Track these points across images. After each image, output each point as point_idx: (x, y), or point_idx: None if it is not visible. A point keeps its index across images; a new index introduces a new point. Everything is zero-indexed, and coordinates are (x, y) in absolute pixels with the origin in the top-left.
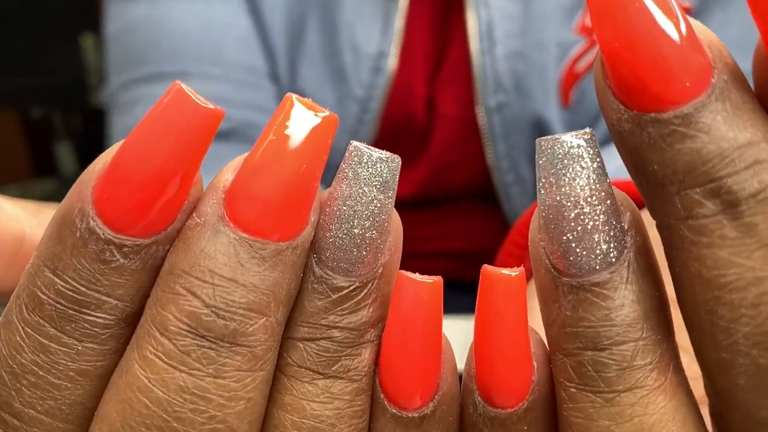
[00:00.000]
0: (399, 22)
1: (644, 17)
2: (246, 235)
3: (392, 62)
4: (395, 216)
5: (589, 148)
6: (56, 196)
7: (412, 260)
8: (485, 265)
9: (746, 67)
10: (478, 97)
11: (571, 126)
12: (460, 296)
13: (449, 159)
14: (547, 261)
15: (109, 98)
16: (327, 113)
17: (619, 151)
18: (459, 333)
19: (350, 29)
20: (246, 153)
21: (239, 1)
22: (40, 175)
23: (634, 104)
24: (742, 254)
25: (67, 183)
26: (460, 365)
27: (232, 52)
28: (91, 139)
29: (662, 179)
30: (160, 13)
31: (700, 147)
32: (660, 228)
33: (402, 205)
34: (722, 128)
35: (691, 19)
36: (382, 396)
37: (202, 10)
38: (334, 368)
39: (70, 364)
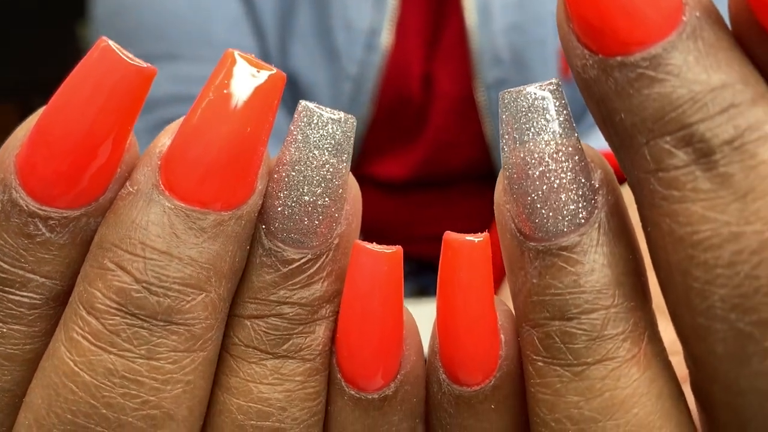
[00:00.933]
0: None
1: None
2: (182, 204)
3: (386, 39)
4: (352, 182)
5: (554, 100)
6: None
7: (410, 244)
8: (447, 231)
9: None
10: (476, 73)
11: (573, 100)
12: None
13: (447, 139)
14: (513, 225)
15: None
16: (273, 71)
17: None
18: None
19: (342, 5)
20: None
21: None
22: None
23: (598, 48)
24: (716, 208)
25: None
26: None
27: (221, 33)
28: None
29: (630, 129)
30: None
31: (670, 91)
32: (631, 185)
33: (399, 187)
34: (694, 70)
35: None
36: (339, 376)
37: None
38: (284, 347)
39: None
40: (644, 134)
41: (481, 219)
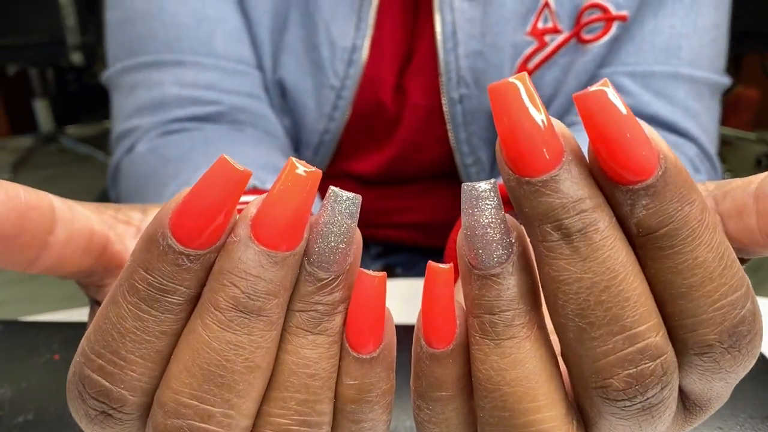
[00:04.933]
0: (371, 18)
1: (526, 120)
2: (265, 249)
3: (364, 55)
4: (357, 232)
5: (492, 192)
6: (34, 152)
7: (380, 230)
8: (429, 261)
9: (668, 69)
10: (443, 89)
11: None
12: (424, 259)
13: (416, 141)
14: (466, 259)
15: (110, 80)
16: (313, 169)
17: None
18: (419, 290)
19: (327, 26)
20: (265, 192)
21: None
22: (18, 131)
23: (516, 171)
24: (571, 264)
25: (44, 139)
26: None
27: (222, 43)
28: (68, 97)
29: (531, 217)
30: (157, 7)
31: (552, 200)
32: (531, 244)
33: (373, 181)
34: (564, 190)
35: (552, 118)
36: (347, 345)
37: (197, 5)
38: (318, 328)
39: (156, 327)
40: (537, 221)
41: (445, 210)
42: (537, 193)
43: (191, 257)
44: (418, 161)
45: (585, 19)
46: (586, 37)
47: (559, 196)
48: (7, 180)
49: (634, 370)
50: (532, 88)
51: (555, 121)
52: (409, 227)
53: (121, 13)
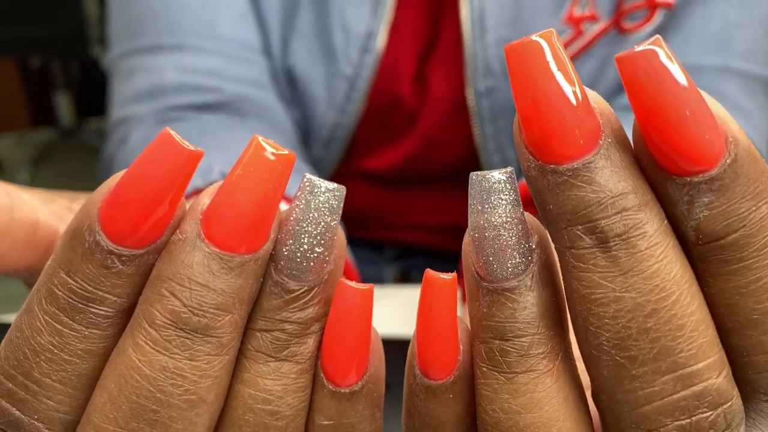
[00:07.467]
0: (390, 1)
1: (552, 90)
2: (217, 250)
3: (381, 42)
4: (340, 233)
5: (508, 184)
6: (54, 146)
7: (395, 232)
8: (427, 269)
9: (718, 62)
10: (469, 81)
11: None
12: (444, 265)
13: (437, 139)
14: (473, 269)
15: (110, 65)
16: (285, 152)
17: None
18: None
19: (341, 9)
20: (220, 180)
21: None
22: (39, 124)
23: (538, 156)
24: (607, 279)
25: (65, 133)
26: None
27: (227, 27)
28: (90, 90)
29: (555, 217)
30: None
31: (584, 195)
32: (556, 251)
33: (389, 180)
34: (601, 181)
35: (588, 89)
36: (321, 375)
37: None
38: (283, 353)
39: (78, 344)
40: (564, 222)
41: (464, 212)
42: (565, 185)
43: (124, 258)
44: (438, 160)
45: (626, 5)
46: (627, 25)
47: (593, 189)
48: (27, 175)
49: (688, 421)
50: (560, 50)
51: (591, 93)
52: (427, 229)
53: None
